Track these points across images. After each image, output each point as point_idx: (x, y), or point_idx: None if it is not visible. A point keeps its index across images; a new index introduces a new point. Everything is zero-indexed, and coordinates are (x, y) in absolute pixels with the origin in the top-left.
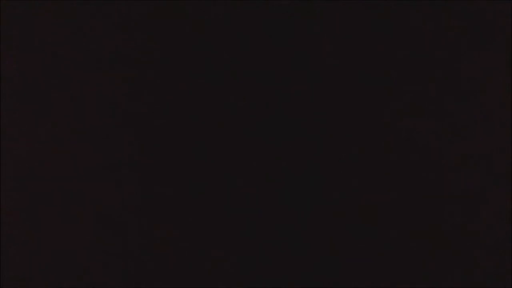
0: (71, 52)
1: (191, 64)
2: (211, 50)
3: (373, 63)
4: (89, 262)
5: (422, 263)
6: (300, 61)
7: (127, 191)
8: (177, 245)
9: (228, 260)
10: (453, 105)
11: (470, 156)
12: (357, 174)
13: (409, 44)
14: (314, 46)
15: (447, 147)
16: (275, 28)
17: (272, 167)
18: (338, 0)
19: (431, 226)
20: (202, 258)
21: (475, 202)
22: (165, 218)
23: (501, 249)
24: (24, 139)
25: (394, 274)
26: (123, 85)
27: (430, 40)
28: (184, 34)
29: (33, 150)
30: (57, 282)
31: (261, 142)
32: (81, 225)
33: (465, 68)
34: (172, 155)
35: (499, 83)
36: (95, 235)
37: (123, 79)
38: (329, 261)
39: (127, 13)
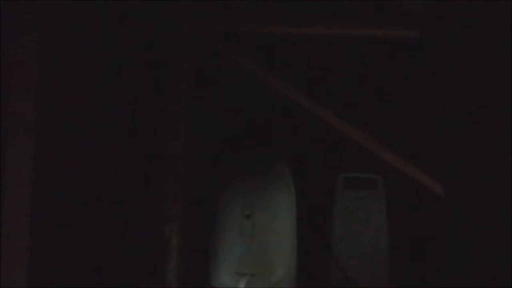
0: (69, 51)
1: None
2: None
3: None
4: (89, 261)
5: (421, 263)
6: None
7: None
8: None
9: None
10: (452, 105)
11: (469, 156)
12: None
13: (408, 44)
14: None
15: (446, 146)
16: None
17: None
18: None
19: (430, 226)
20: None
21: (475, 202)
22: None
23: (501, 249)
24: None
25: (393, 274)
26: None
27: (429, 39)
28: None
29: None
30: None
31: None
32: (81, 225)
33: (465, 68)
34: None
35: (499, 83)
36: (95, 235)
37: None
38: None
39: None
